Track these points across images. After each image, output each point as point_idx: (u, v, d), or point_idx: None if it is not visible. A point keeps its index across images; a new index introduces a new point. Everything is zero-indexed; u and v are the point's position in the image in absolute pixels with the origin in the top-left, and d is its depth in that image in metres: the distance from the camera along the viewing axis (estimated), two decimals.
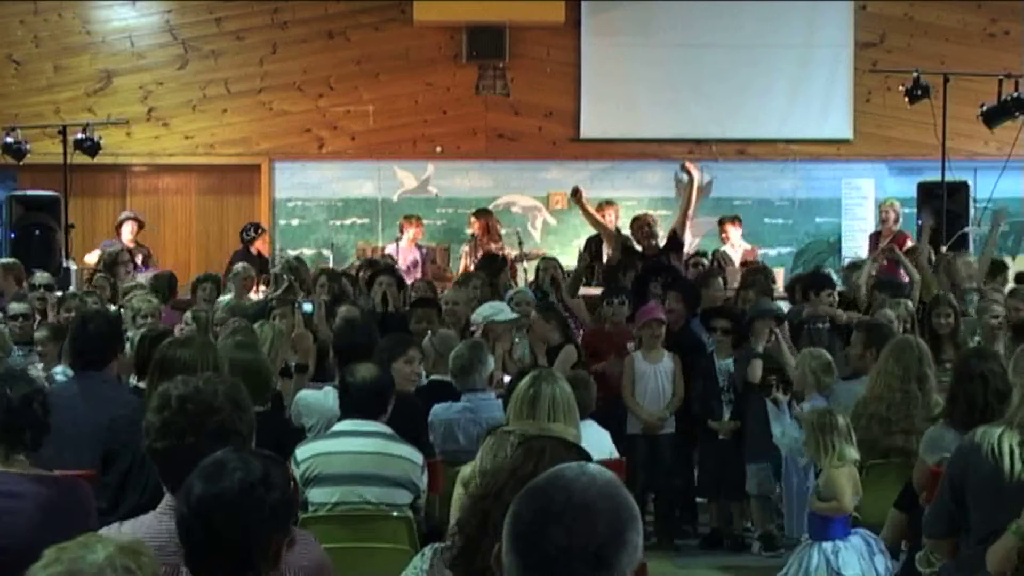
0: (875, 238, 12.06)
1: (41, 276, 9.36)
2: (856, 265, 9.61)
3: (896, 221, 11.86)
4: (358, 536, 4.89)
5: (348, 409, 5.17)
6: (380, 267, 9.67)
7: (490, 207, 13.75)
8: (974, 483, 4.38)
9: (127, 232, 12.34)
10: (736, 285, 9.75)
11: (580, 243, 12.75)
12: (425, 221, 13.83)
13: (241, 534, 2.59)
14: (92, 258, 11.92)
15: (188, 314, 8.16)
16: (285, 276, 9.48)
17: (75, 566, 2.07)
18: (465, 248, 12.66)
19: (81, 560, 2.08)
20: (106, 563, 2.09)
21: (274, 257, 12.72)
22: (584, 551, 1.83)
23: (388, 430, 5.06)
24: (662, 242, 10.45)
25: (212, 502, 2.59)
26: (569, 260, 12.54)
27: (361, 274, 9.87)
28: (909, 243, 11.32)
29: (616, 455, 6.19)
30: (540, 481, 1.92)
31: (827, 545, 5.53)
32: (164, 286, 9.83)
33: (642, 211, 12.18)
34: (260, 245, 12.82)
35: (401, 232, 12.72)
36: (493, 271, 9.90)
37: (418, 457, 5.04)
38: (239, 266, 10.31)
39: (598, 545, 1.84)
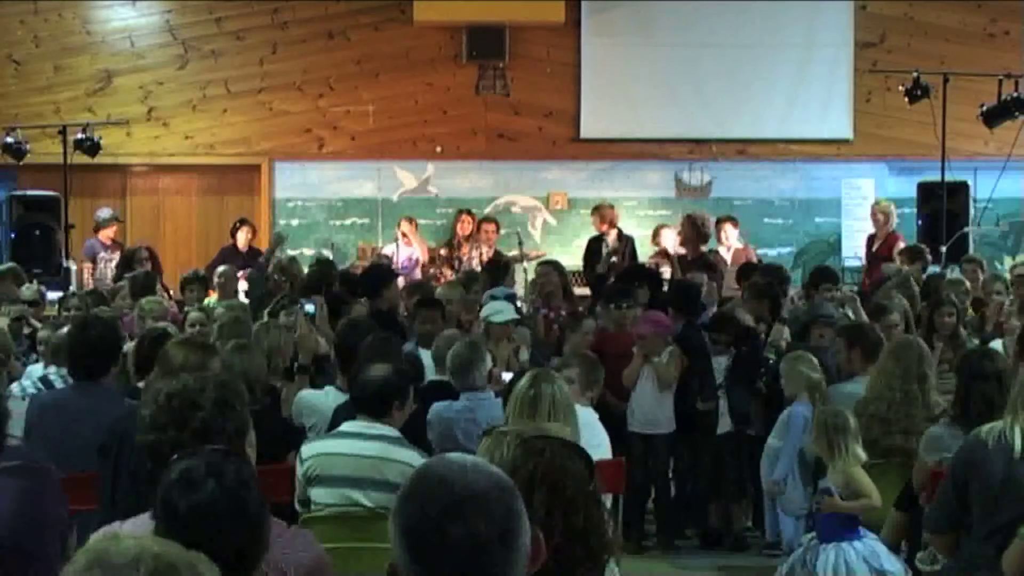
0: (870, 240, 12.06)
1: (28, 290, 9.06)
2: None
3: (887, 223, 11.84)
4: (357, 536, 4.89)
5: (353, 406, 5.16)
6: (422, 299, 8.49)
7: (490, 207, 13.77)
8: (977, 480, 4.39)
9: (109, 232, 12.35)
10: (735, 286, 9.75)
11: (580, 243, 12.77)
12: (425, 221, 13.85)
13: (237, 537, 2.61)
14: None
15: (194, 315, 8.13)
16: (276, 277, 9.47)
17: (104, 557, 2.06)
18: (442, 252, 12.82)
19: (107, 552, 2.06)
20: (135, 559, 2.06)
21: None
22: (489, 535, 1.83)
23: (394, 433, 5.02)
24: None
25: (200, 513, 2.60)
26: (569, 260, 12.56)
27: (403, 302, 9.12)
28: (901, 244, 11.32)
29: (609, 453, 6.18)
30: (414, 487, 1.90)
31: (859, 544, 5.51)
32: (140, 287, 9.40)
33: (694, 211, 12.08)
34: (250, 239, 12.84)
35: (404, 234, 12.81)
36: (497, 274, 9.84)
37: (420, 463, 5.01)
38: (221, 269, 10.22)
39: (499, 525, 1.85)
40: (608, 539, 2.67)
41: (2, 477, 3.68)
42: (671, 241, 12.40)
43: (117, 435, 4.50)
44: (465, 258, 12.51)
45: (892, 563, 5.46)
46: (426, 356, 7.07)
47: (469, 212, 13.10)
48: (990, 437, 4.39)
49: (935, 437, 5.38)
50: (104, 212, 12.63)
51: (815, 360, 6.94)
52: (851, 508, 5.60)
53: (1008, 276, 9.51)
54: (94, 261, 12.07)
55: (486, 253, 12.57)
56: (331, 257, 13.07)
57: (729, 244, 12.31)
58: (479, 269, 11.74)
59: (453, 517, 1.82)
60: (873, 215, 12.08)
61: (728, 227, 12.43)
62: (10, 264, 10.30)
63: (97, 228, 12.46)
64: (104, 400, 5.18)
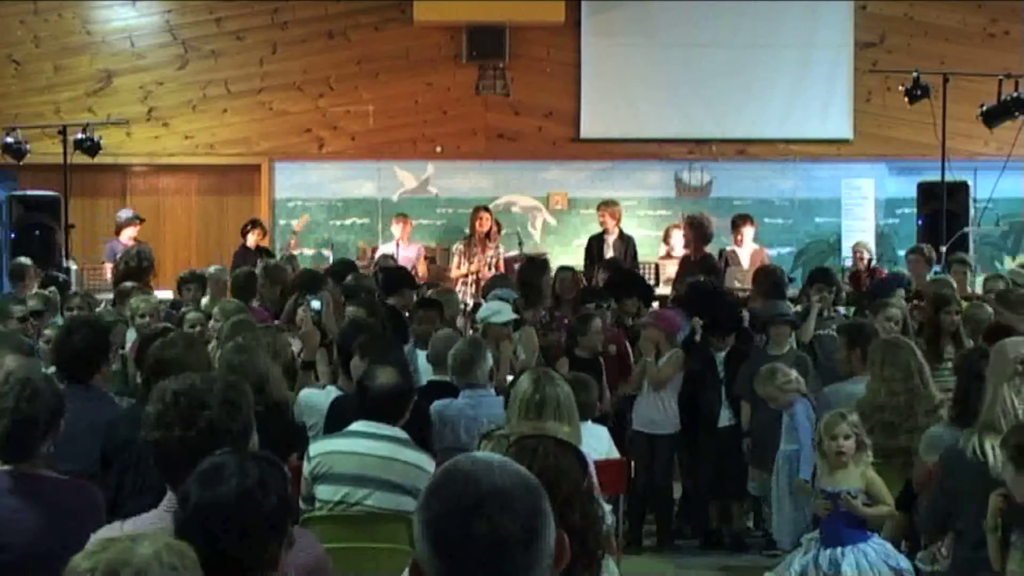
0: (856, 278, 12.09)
1: (33, 298, 8.87)
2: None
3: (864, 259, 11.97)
4: (358, 536, 4.88)
5: (364, 412, 5.16)
6: (421, 299, 8.72)
7: (490, 207, 13.75)
8: (961, 487, 4.41)
9: (129, 233, 12.32)
10: (740, 285, 9.76)
11: (581, 243, 12.76)
12: (425, 221, 13.85)
13: (239, 540, 2.61)
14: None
15: (192, 315, 8.11)
16: (261, 281, 9.44)
17: (122, 556, 2.09)
18: (459, 246, 12.69)
19: (128, 551, 2.10)
20: (153, 557, 2.11)
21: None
22: (513, 534, 1.82)
23: (403, 435, 5.03)
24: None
25: (209, 509, 2.61)
26: (569, 260, 12.56)
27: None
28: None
29: (615, 454, 6.18)
30: (440, 482, 1.88)
31: (865, 546, 5.49)
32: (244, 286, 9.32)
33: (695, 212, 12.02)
34: (260, 241, 12.82)
35: (401, 232, 12.77)
36: (534, 274, 9.64)
37: (429, 465, 4.99)
38: (212, 270, 10.21)
39: (523, 524, 1.83)
40: (604, 536, 2.68)
41: (43, 485, 3.70)
42: (680, 242, 12.37)
43: (118, 438, 4.51)
44: (488, 255, 12.34)
45: (903, 560, 5.46)
46: (422, 356, 7.06)
47: (486, 209, 12.93)
48: (968, 447, 4.43)
49: (935, 437, 5.37)
50: (125, 213, 12.63)
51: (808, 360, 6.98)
52: (867, 514, 5.53)
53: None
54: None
55: (502, 254, 12.45)
56: (331, 257, 13.09)
57: (745, 243, 12.28)
58: (495, 268, 11.72)
59: (477, 514, 1.81)
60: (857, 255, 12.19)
61: (746, 228, 12.38)
62: (26, 260, 10.36)
63: (118, 230, 12.43)
64: (95, 401, 5.19)
